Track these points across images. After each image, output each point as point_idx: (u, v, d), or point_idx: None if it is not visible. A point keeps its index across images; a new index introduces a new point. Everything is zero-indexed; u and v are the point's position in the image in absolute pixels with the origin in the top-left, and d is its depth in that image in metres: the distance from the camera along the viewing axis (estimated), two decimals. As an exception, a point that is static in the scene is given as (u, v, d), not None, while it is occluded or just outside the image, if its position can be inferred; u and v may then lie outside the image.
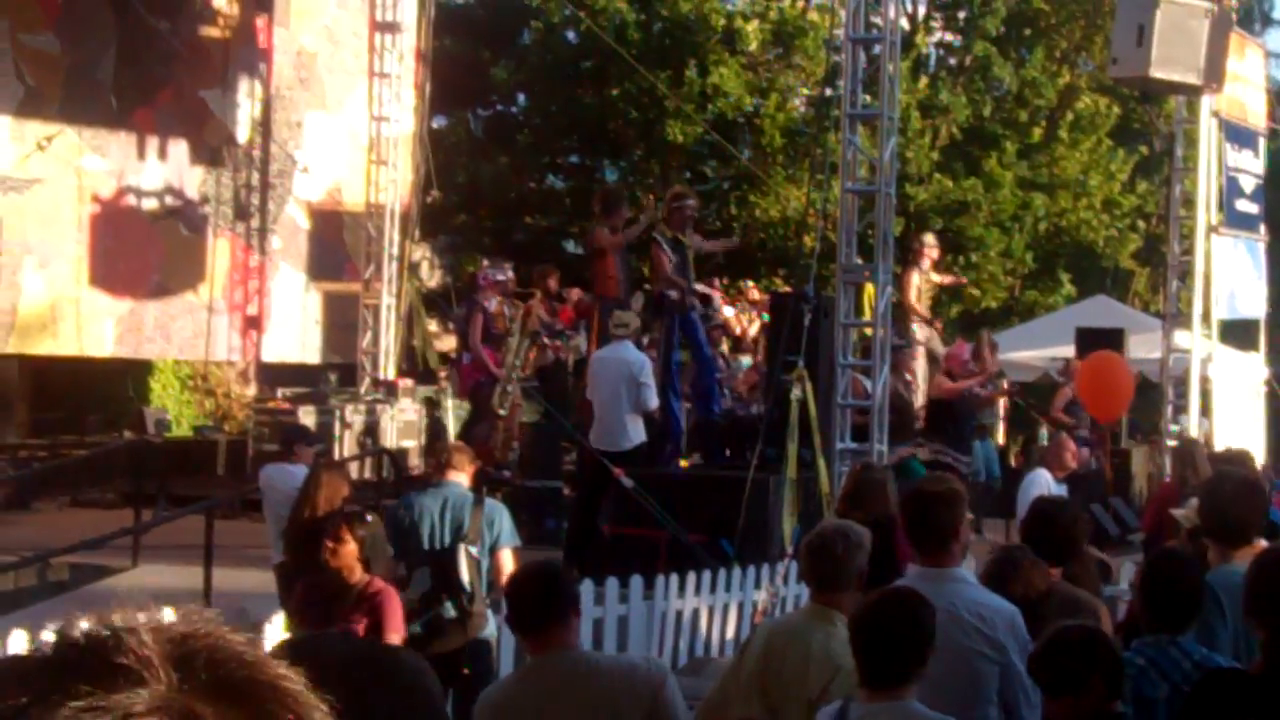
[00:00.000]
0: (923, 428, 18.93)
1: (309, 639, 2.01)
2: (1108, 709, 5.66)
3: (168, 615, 1.30)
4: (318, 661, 1.24)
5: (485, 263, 21.44)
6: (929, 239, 22.03)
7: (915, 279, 20.68)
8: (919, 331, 20.45)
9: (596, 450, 15.68)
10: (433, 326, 28.55)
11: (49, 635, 1.32)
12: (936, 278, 21.68)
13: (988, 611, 6.32)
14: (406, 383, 22.65)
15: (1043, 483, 14.21)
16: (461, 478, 9.81)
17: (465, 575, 9.33)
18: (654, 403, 16.01)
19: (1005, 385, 21.44)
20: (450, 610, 9.28)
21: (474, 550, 9.42)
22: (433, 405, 21.90)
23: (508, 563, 9.65)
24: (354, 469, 17.83)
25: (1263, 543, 8.27)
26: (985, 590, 6.57)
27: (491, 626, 9.70)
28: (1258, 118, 23.33)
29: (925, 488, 6.88)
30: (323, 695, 1.26)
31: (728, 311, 23.89)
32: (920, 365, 20.10)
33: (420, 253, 25.63)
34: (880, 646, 5.48)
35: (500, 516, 9.72)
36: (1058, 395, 22.39)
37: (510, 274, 20.04)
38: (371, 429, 21.11)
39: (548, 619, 5.66)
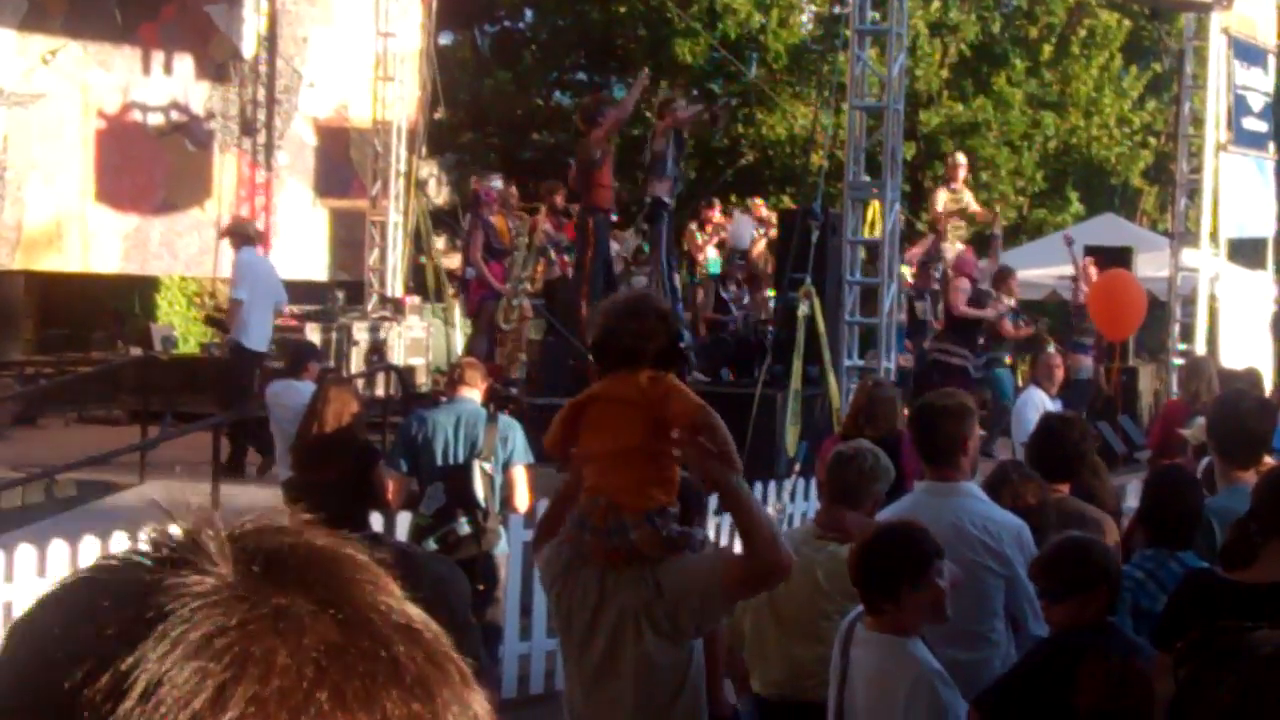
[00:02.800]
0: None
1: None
2: (1073, 620, 5.69)
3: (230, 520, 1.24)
4: None
5: (474, 179, 21.37)
6: (960, 158, 22.81)
7: (943, 196, 21.43)
8: (947, 250, 20.78)
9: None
10: (441, 244, 28.53)
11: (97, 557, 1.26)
12: (969, 199, 22.01)
13: (994, 525, 6.32)
14: (414, 300, 22.64)
15: (1037, 401, 14.22)
16: (474, 394, 9.81)
17: (480, 491, 9.35)
18: None
19: (1032, 324, 21.29)
20: (465, 526, 9.30)
21: (488, 467, 9.42)
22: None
23: (520, 479, 9.67)
24: (361, 386, 17.84)
25: (1270, 460, 8.29)
26: (992, 504, 6.58)
27: (503, 543, 9.73)
28: (1268, 36, 23.18)
29: (934, 401, 6.86)
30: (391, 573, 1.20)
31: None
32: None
33: (427, 170, 25.56)
34: (877, 578, 5.49)
35: (514, 433, 9.73)
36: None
37: (501, 184, 19.95)
38: (379, 346, 21.10)
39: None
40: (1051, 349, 18.59)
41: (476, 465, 9.40)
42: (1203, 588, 5.53)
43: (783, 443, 15.33)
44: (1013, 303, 20.28)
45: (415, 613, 1.17)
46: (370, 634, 1.11)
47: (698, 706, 5.50)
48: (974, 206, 22.80)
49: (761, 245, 23.31)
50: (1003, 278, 20.40)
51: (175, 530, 1.17)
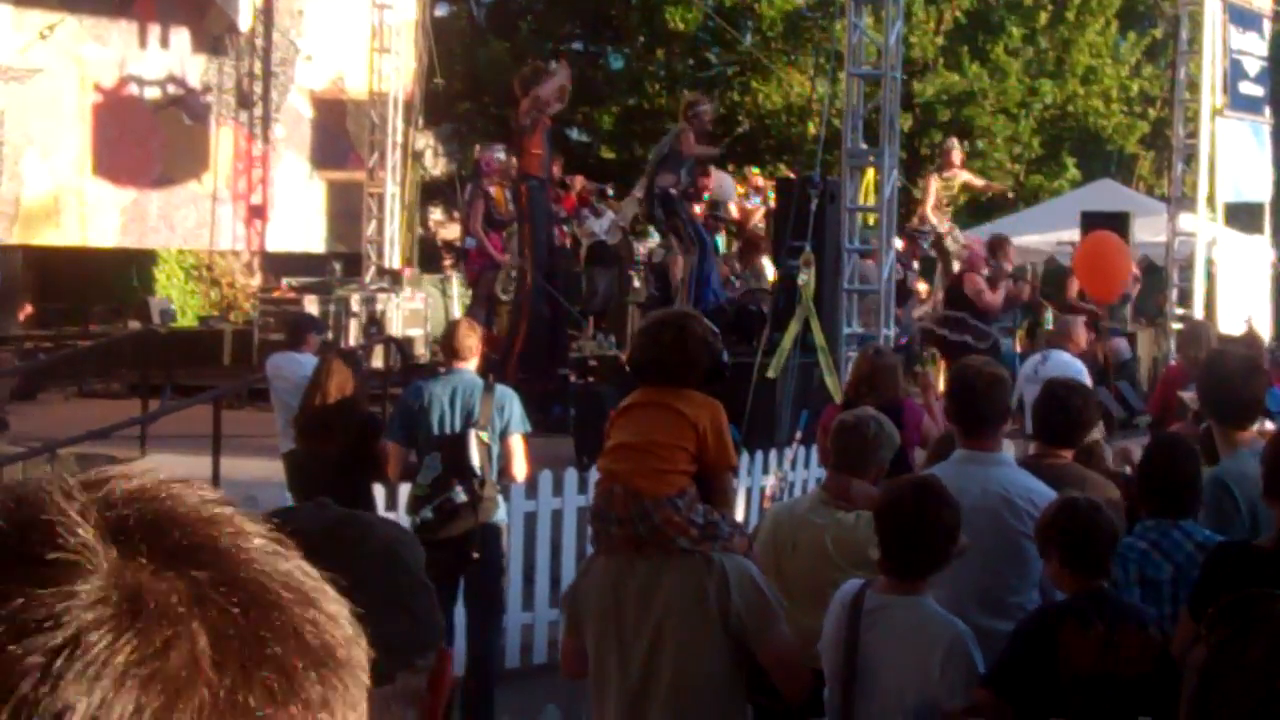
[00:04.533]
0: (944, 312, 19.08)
1: (282, 510, 2.01)
2: (1093, 585, 5.72)
3: (109, 474, 1.15)
4: (286, 531, 1.18)
5: (478, 147, 21.34)
6: (954, 143, 23.07)
7: (934, 185, 21.58)
8: (938, 224, 20.88)
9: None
10: (438, 215, 28.54)
11: None
12: (968, 176, 22.14)
13: (1037, 497, 6.31)
14: (412, 271, 22.65)
15: (1063, 363, 14.02)
16: (472, 363, 9.82)
17: (476, 460, 9.35)
18: None
19: (1027, 282, 21.42)
20: (461, 494, 9.30)
21: (485, 436, 9.43)
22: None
23: (517, 448, 9.68)
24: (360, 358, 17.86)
25: (1269, 425, 8.32)
26: (1029, 475, 6.58)
27: (502, 511, 9.73)
28: (1263, 0, 23.18)
29: (973, 372, 6.85)
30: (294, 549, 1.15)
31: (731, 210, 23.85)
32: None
33: (424, 141, 25.57)
34: (906, 537, 5.50)
35: (510, 403, 9.73)
36: (1071, 281, 22.28)
37: (505, 154, 19.96)
38: (377, 318, 21.11)
39: None
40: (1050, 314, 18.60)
41: (473, 434, 9.41)
42: (1235, 557, 5.55)
43: (783, 411, 15.34)
44: (1009, 268, 20.31)
45: (300, 571, 1.14)
46: (271, 606, 1.08)
47: (740, 693, 5.59)
48: (976, 182, 22.89)
49: (760, 214, 23.31)
50: (999, 244, 20.40)
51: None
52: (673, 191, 17.96)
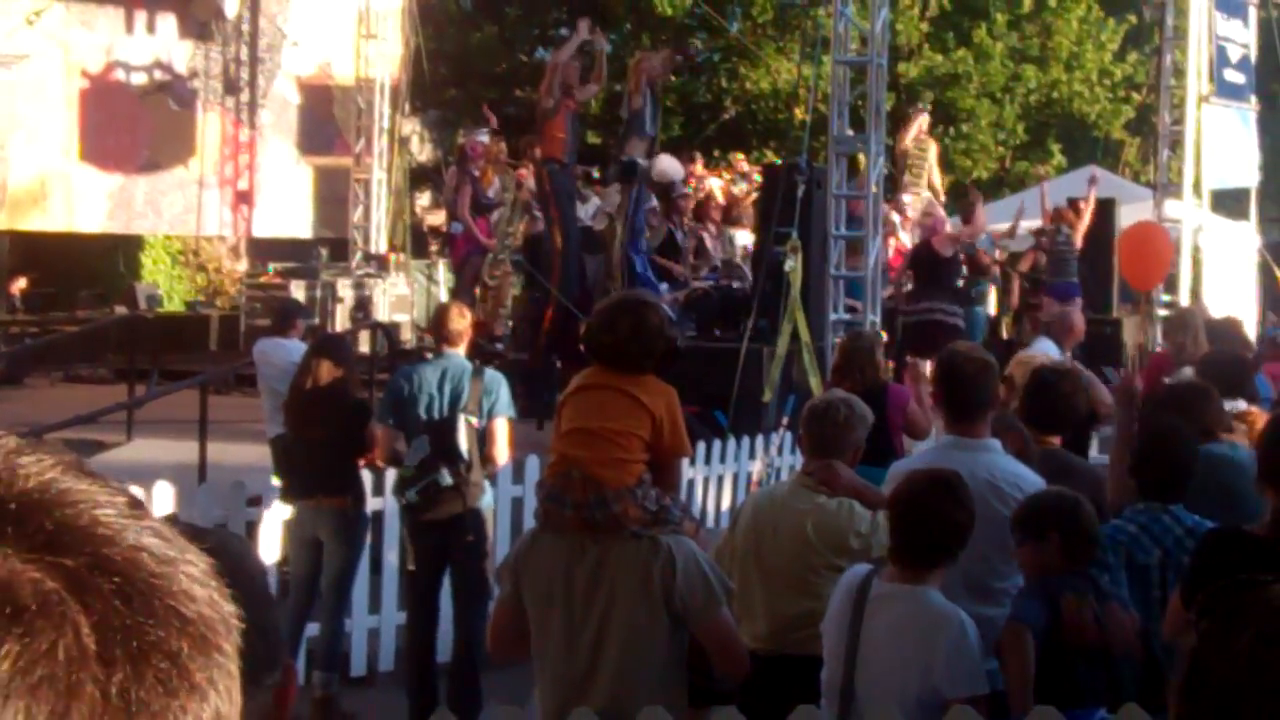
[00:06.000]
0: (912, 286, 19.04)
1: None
2: (1068, 567, 5.77)
3: None
4: None
5: (461, 132, 21.29)
6: (925, 118, 23.33)
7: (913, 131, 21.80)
8: (910, 201, 20.91)
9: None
10: (425, 200, 28.51)
11: None
12: (932, 157, 22.25)
13: (1025, 482, 6.34)
14: (398, 256, 22.65)
15: (1047, 353, 14.01)
16: (461, 348, 9.82)
17: (463, 444, 9.35)
18: None
19: (998, 255, 21.49)
20: (446, 478, 9.30)
21: (473, 420, 9.44)
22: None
23: (501, 432, 9.67)
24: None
25: (1256, 410, 8.35)
26: (1016, 461, 6.60)
27: (489, 496, 9.74)
28: (1249, -14, 23.24)
29: (960, 358, 6.86)
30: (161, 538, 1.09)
31: (714, 183, 23.76)
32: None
33: (411, 126, 25.57)
34: (919, 529, 5.52)
35: (499, 387, 9.73)
36: (1025, 257, 22.31)
37: (488, 138, 19.92)
38: (363, 303, 21.11)
39: None
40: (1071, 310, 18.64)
41: (461, 418, 9.41)
42: (1228, 543, 5.57)
43: (771, 399, 15.37)
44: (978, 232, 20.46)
45: (157, 535, 1.09)
46: (147, 586, 1.04)
47: (682, 673, 5.63)
48: (935, 176, 22.83)
49: (749, 200, 23.23)
50: (968, 207, 20.52)
51: None
52: (640, 160, 17.67)
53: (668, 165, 22.61)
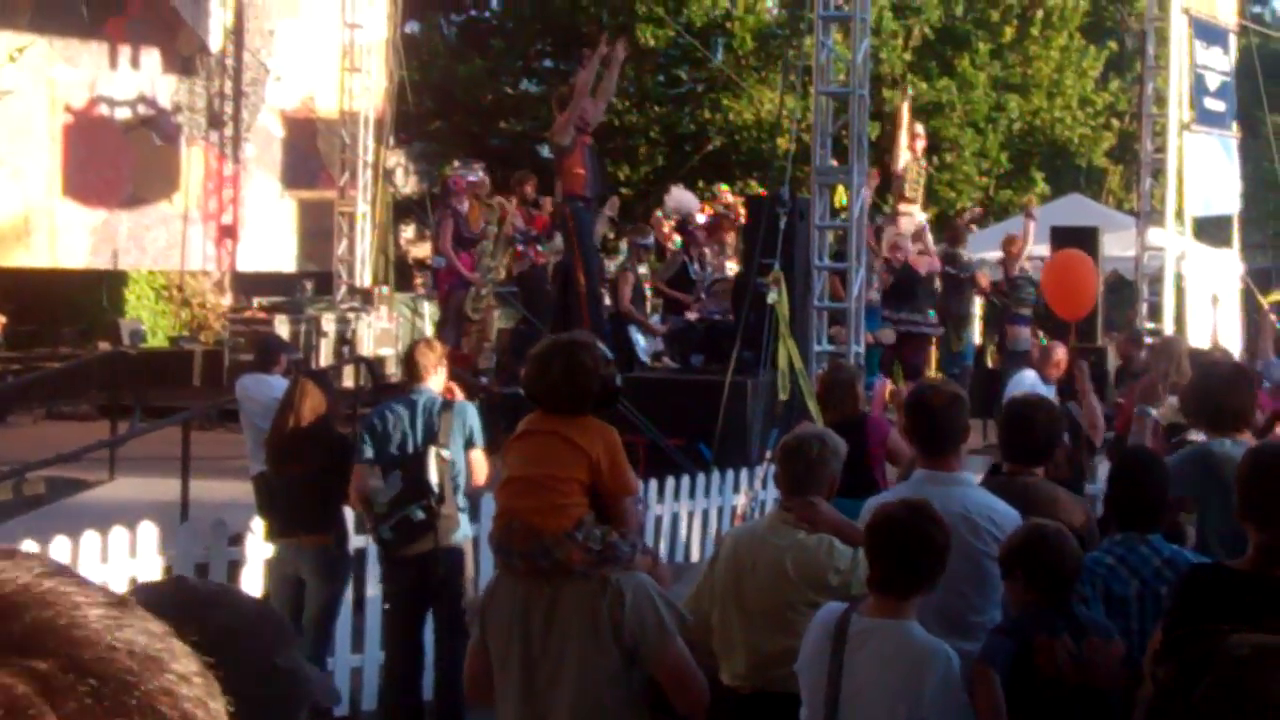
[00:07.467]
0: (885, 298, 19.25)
1: (141, 588, 1.94)
2: (1042, 603, 5.78)
3: None
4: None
5: (456, 164, 21.27)
6: (920, 129, 23.42)
7: (905, 156, 21.95)
8: (905, 222, 21.06)
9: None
10: (409, 233, 28.52)
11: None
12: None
13: (998, 516, 6.34)
14: (383, 290, 22.64)
15: (1030, 384, 14.02)
16: (433, 382, 9.82)
17: (434, 477, 9.34)
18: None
19: (983, 281, 21.58)
20: (418, 513, 9.30)
21: (445, 453, 9.44)
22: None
23: (479, 462, 9.67)
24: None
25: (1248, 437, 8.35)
26: (991, 494, 6.60)
27: (465, 529, 9.70)
28: (1228, 15, 23.31)
29: (929, 392, 6.86)
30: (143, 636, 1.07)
31: (699, 218, 23.74)
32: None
33: (395, 159, 25.57)
34: (896, 554, 5.51)
35: (471, 418, 9.74)
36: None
37: (481, 174, 19.90)
38: (348, 337, 21.09)
39: None
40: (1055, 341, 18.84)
41: (433, 452, 9.41)
42: (1207, 580, 5.54)
43: (754, 429, 15.37)
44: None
45: (144, 633, 1.08)
46: (123, 685, 1.03)
47: (641, 711, 5.66)
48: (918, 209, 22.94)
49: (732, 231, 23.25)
50: (954, 231, 20.88)
51: None
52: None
53: (682, 198, 22.68)
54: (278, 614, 2.21)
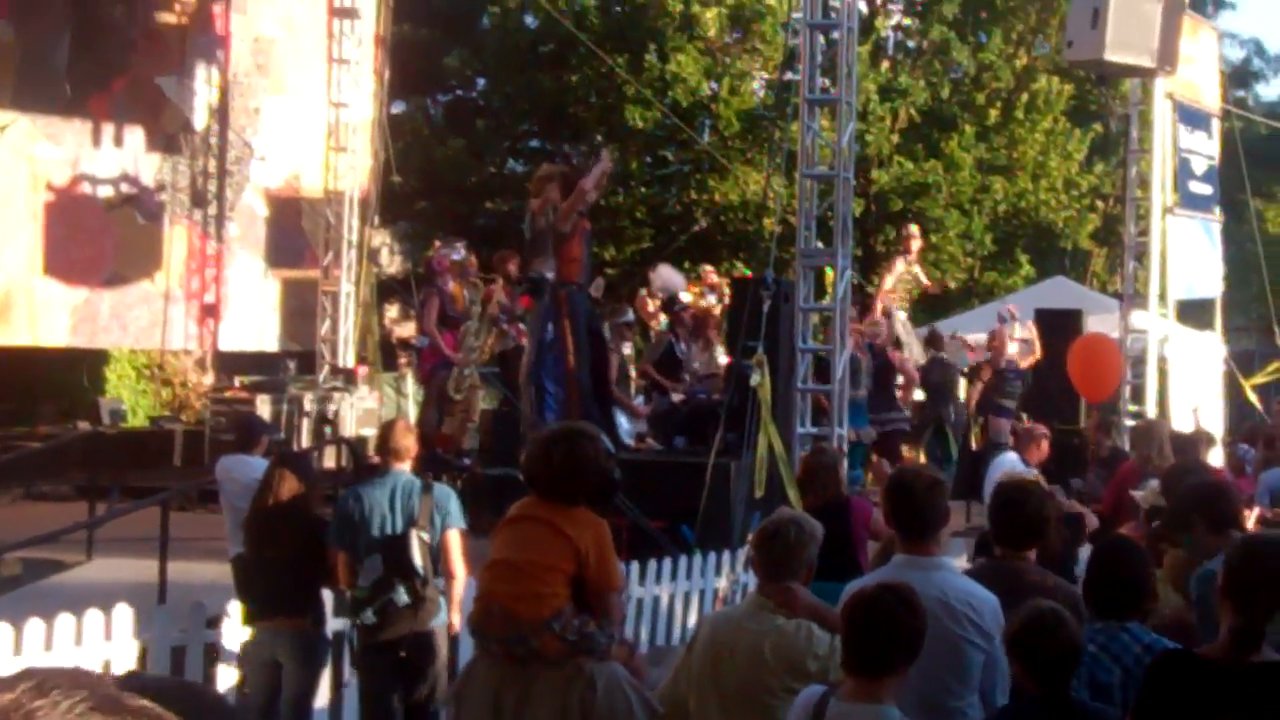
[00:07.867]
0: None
1: (133, 679, 1.89)
2: (1040, 691, 5.71)
3: None
4: None
5: (437, 244, 21.26)
6: (914, 229, 23.45)
7: (899, 267, 22.22)
8: (897, 312, 21.24)
9: None
10: (394, 313, 28.48)
11: None
12: (919, 272, 22.48)
13: (976, 600, 6.31)
14: (366, 370, 22.58)
15: (1009, 465, 13.95)
16: (408, 463, 9.78)
17: (418, 559, 9.29)
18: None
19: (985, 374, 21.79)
20: (404, 595, 9.24)
21: (425, 536, 9.38)
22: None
23: (454, 544, 9.59)
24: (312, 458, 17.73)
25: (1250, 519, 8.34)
26: (970, 580, 6.57)
27: (443, 614, 9.63)
28: (1211, 99, 23.43)
29: (908, 477, 6.84)
30: None
31: (685, 296, 23.71)
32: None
33: (380, 239, 25.56)
34: (871, 634, 5.45)
35: (448, 500, 9.69)
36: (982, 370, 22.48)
37: (464, 252, 19.84)
38: (330, 417, 21.01)
39: None
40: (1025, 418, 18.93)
41: (414, 534, 9.35)
42: (1178, 667, 5.48)
43: (736, 512, 15.30)
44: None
45: None
46: None
47: None
48: (924, 280, 23.08)
49: (716, 311, 23.19)
50: (935, 336, 21.10)
51: None
52: (548, 275, 17.10)
53: (668, 276, 22.60)
54: (230, 707, 2.14)
